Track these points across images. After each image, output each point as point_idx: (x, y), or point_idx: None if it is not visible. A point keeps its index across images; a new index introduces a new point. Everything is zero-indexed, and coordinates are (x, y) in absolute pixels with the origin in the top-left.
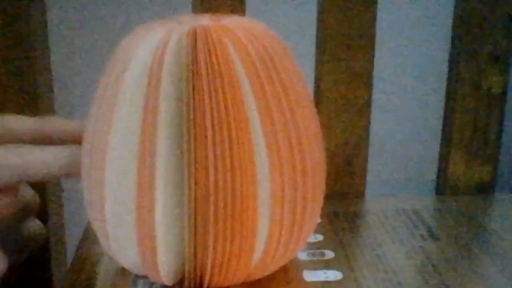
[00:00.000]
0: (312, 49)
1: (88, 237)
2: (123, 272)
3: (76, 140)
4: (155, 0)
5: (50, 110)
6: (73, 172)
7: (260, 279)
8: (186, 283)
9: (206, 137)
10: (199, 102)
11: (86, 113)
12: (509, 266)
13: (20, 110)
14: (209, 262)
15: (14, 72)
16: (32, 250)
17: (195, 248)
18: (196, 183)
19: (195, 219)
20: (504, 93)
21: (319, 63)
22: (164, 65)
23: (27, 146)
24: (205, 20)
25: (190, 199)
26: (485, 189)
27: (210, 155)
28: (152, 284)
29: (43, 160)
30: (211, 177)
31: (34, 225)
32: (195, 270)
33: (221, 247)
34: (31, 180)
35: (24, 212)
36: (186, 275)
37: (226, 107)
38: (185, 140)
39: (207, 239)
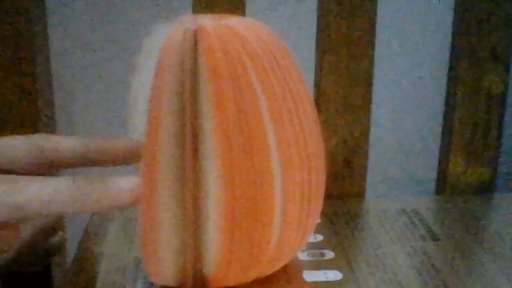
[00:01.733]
0: (312, 49)
1: (88, 237)
2: (123, 272)
3: (130, 159)
4: (156, 0)
5: (50, 110)
6: (81, 208)
7: (260, 279)
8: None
9: (227, 138)
10: (219, 104)
11: (86, 113)
12: (509, 266)
13: (20, 110)
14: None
15: (14, 72)
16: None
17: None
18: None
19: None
20: (504, 93)
21: (319, 63)
22: (167, 68)
23: (24, 179)
24: (207, 20)
25: (194, 197)
26: (485, 189)
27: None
28: (152, 284)
29: (39, 197)
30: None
31: (56, 236)
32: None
33: (242, 247)
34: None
35: (50, 230)
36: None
37: (244, 111)
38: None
39: (229, 237)
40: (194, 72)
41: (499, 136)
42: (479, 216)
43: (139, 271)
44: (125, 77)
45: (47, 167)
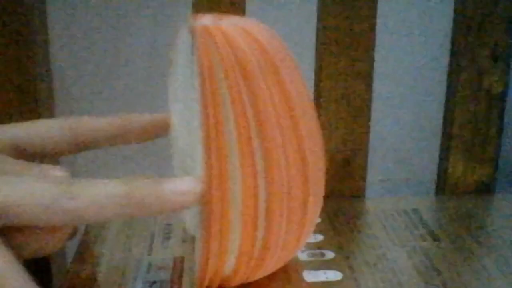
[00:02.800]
0: (312, 49)
1: (88, 237)
2: (123, 272)
3: (158, 132)
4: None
5: (50, 110)
6: (135, 213)
7: (260, 279)
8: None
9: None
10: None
11: (86, 113)
12: (509, 266)
13: (20, 110)
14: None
15: (14, 72)
16: None
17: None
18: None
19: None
20: (504, 93)
21: (319, 63)
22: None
23: (77, 184)
24: (209, 20)
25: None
26: (485, 189)
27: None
28: (152, 283)
29: (94, 203)
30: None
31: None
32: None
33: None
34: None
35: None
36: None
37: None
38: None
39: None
40: (234, 68)
41: (499, 136)
42: (479, 216)
43: (139, 271)
44: (125, 76)
45: (79, 148)
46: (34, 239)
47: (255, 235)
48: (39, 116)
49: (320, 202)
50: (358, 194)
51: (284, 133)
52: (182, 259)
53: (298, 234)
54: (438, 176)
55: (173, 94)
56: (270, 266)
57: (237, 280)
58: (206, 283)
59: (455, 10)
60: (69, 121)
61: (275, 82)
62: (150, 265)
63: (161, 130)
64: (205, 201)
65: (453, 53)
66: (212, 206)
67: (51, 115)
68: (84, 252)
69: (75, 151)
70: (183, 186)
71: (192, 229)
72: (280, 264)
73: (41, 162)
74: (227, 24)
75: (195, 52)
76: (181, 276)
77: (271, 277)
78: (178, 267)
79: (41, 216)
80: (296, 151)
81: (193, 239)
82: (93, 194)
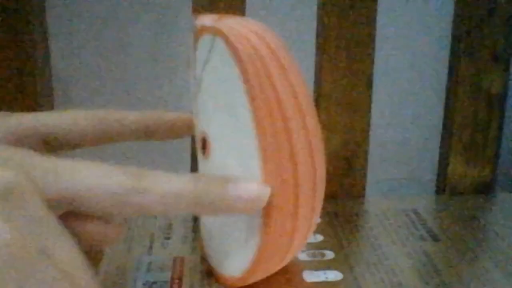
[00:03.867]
0: (312, 49)
1: None
2: (123, 272)
3: (183, 132)
4: (155, 2)
5: (50, 110)
6: (198, 212)
7: (259, 280)
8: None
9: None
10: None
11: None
12: (509, 266)
13: (20, 110)
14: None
15: (14, 72)
16: None
17: None
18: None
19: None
20: (504, 93)
21: (319, 63)
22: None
23: (147, 177)
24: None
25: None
26: (485, 189)
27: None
28: (152, 283)
29: (163, 200)
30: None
31: None
32: None
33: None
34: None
35: None
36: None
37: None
38: None
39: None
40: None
41: (499, 136)
42: (479, 216)
43: (139, 271)
44: (125, 77)
45: (104, 140)
46: (93, 231)
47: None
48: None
49: (322, 197)
50: (358, 194)
51: (298, 130)
52: (182, 259)
53: (307, 230)
54: (438, 176)
55: (200, 103)
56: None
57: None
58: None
59: (455, 10)
60: (98, 113)
61: (285, 83)
62: (150, 265)
63: (186, 130)
64: (270, 207)
65: (453, 53)
66: (279, 211)
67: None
68: (84, 252)
69: (100, 143)
70: (251, 192)
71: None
72: (285, 263)
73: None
74: (240, 26)
75: (234, 59)
76: (181, 276)
77: (271, 277)
78: (178, 267)
79: (109, 206)
80: (305, 148)
81: (192, 238)
82: (163, 192)
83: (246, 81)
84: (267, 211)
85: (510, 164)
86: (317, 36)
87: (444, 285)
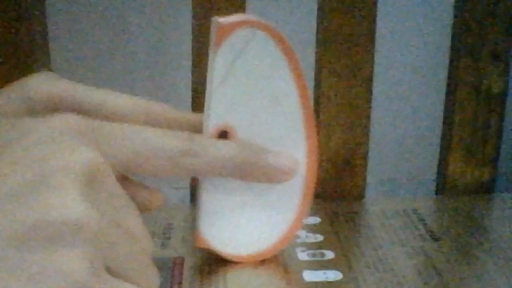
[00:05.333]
0: (312, 49)
1: None
2: None
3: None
4: (156, 1)
5: None
6: (238, 176)
7: (259, 279)
8: None
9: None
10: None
11: None
12: (509, 266)
13: None
14: None
15: (13, 72)
16: None
17: None
18: None
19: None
20: (504, 93)
21: (319, 63)
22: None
23: (199, 142)
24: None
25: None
26: (485, 189)
27: None
28: None
29: (212, 163)
30: None
31: None
32: None
33: None
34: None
35: None
36: None
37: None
38: None
39: None
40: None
41: (499, 136)
42: (479, 216)
43: None
44: (125, 77)
45: None
46: (142, 197)
47: None
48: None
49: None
50: (358, 194)
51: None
52: (182, 259)
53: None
54: (438, 176)
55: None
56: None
57: None
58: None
59: (455, 10)
60: (143, 104)
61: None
62: None
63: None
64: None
65: (453, 53)
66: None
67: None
68: None
69: None
70: (289, 162)
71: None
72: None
73: None
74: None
75: (281, 49)
76: (181, 276)
77: (271, 276)
78: (178, 267)
79: (164, 168)
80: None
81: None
82: (213, 156)
83: (295, 68)
84: (306, 184)
85: (510, 164)
86: (317, 35)
87: (443, 284)
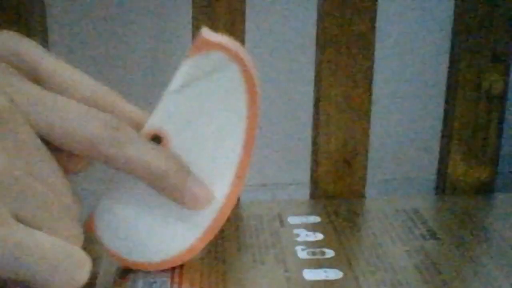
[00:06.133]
0: (312, 49)
1: (88, 236)
2: (123, 272)
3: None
4: (155, 3)
5: None
6: (157, 186)
7: (258, 279)
8: None
9: None
10: None
11: None
12: (509, 266)
13: None
14: None
15: None
16: None
17: None
18: None
19: None
20: (504, 93)
21: (319, 63)
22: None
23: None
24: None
25: None
26: (485, 189)
27: None
28: (152, 283)
29: (146, 165)
30: None
31: None
32: None
33: None
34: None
35: None
36: None
37: None
38: None
39: None
40: None
41: (499, 136)
42: (479, 216)
43: (139, 271)
44: (125, 77)
45: None
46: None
47: None
48: None
49: None
50: (358, 194)
51: None
52: None
53: None
54: (438, 176)
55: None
56: None
57: None
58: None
59: (455, 10)
60: (93, 86)
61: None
62: None
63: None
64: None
65: (453, 53)
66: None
67: None
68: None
69: None
70: (203, 194)
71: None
72: None
73: None
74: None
75: (247, 89)
76: (181, 276)
77: (271, 276)
78: (178, 267)
79: (81, 149)
80: None
81: None
82: (135, 153)
83: (252, 111)
84: (220, 213)
85: (510, 164)
86: (317, 36)
87: (444, 284)
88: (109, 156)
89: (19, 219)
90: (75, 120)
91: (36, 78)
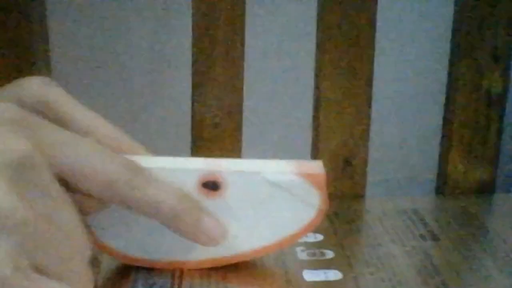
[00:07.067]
0: (312, 49)
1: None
2: (123, 272)
3: None
4: (155, 1)
5: None
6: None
7: (258, 279)
8: None
9: None
10: None
11: None
12: (509, 266)
13: None
14: None
15: (13, 72)
16: None
17: None
18: None
19: None
20: (504, 93)
21: (319, 63)
22: None
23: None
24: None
25: None
26: (485, 189)
27: None
28: (152, 285)
29: (154, 205)
30: None
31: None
32: None
33: None
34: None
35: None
36: None
37: None
38: None
39: None
40: None
41: (499, 136)
42: (479, 216)
43: (139, 272)
44: (125, 77)
45: None
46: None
47: None
48: None
49: None
50: (358, 194)
51: None
52: None
53: None
54: (438, 176)
55: None
56: None
57: None
58: None
59: (455, 10)
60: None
61: None
62: None
63: None
64: None
65: (453, 53)
66: None
67: None
68: None
69: None
70: (218, 231)
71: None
72: None
73: None
74: None
75: None
76: (181, 276)
77: (271, 276)
78: (179, 269)
79: (98, 191)
80: None
81: None
82: (151, 196)
83: (325, 204)
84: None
85: (510, 164)
86: (317, 36)
87: (443, 284)
88: (126, 199)
89: (38, 270)
90: (95, 162)
91: (61, 126)
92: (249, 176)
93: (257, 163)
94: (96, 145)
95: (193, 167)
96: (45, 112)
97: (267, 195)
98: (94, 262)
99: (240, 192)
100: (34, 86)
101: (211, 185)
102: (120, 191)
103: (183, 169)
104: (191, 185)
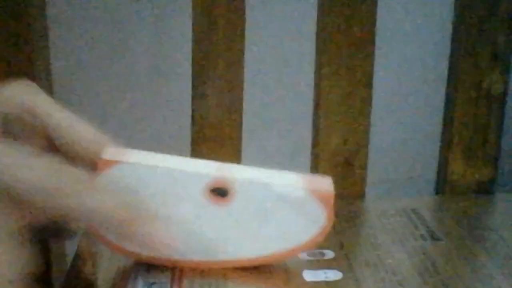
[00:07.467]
0: (312, 49)
1: (88, 237)
2: (123, 272)
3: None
4: (155, 1)
5: None
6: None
7: (258, 279)
8: None
9: None
10: None
11: (86, 113)
12: (509, 266)
13: None
14: None
15: (13, 73)
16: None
17: None
18: None
19: None
20: (504, 93)
21: (319, 64)
22: None
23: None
24: None
25: None
26: (485, 189)
27: None
28: (152, 284)
29: (105, 216)
30: None
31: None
32: None
33: None
34: None
35: None
36: None
37: None
38: None
39: None
40: None
41: (499, 136)
42: (479, 216)
43: (139, 271)
44: (125, 77)
45: None
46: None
47: None
48: None
49: None
50: (358, 194)
51: None
52: None
53: None
54: (438, 176)
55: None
56: None
57: None
58: None
59: (455, 10)
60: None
61: None
62: (150, 265)
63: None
64: None
65: (453, 53)
66: None
67: None
68: (84, 252)
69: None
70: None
71: None
72: None
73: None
74: None
75: None
76: (181, 276)
77: (271, 276)
78: (178, 267)
79: (41, 202)
80: None
81: None
82: (95, 204)
83: (329, 220)
84: None
85: (510, 164)
86: (317, 36)
87: (443, 284)
88: (69, 209)
89: None
90: (40, 175)
91: (45, 132)
92: (258, 187)
93: (268, 173)
94: (43, 160)
95: (204, 172)
96: (31, 121)
97: (273, 207)
98: (93, 262)
99: (247, 201)
100: (16, 94)
101: (219, 192)
102: (61, 201)
103: (194, 172)
104: (199, 189)
